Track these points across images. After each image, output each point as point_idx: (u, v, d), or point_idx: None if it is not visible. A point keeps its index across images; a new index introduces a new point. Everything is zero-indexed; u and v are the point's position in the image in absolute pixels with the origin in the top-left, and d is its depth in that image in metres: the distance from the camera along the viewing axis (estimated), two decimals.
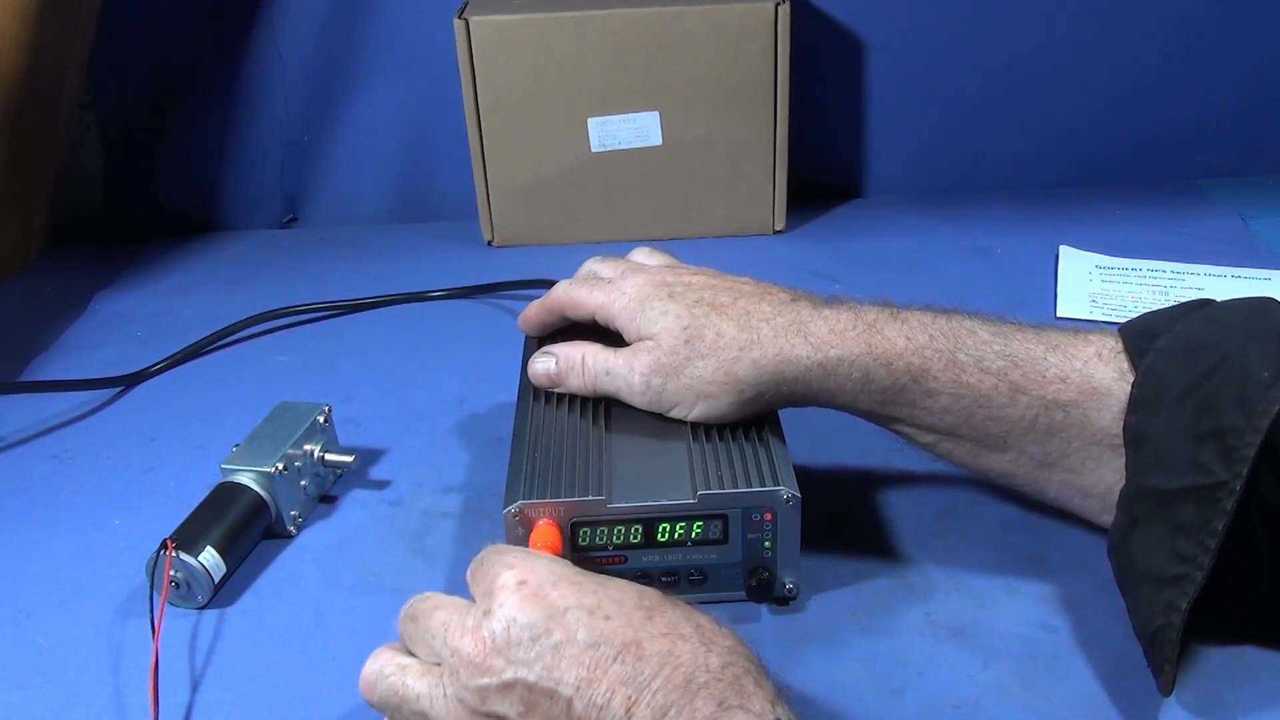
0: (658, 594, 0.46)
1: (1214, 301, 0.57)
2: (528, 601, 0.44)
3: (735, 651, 0.44)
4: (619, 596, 0.45)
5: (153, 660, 0.54)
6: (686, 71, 0.96)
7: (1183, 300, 0.58)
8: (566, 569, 0.47)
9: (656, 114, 0.98)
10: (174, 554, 0.58)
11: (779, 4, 0.94)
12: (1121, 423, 0.54)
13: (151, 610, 0.57)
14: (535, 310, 0.65)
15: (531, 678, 0.43)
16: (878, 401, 0.57)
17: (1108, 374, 0.55)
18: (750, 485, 0.55)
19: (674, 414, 0.59)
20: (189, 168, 1.10)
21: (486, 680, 0.43)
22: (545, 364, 0.61)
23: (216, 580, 0.60)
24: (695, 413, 0.58)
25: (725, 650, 0.43)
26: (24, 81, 0.91)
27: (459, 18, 0.94)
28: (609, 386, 0.59)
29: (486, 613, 0.45)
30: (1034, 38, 1.06)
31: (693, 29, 0.95)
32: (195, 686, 0.55)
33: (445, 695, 0.45)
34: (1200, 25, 1.05)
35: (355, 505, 0.68)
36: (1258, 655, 0.53)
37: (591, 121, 0.98)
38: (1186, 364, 0.52)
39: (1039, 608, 0.57)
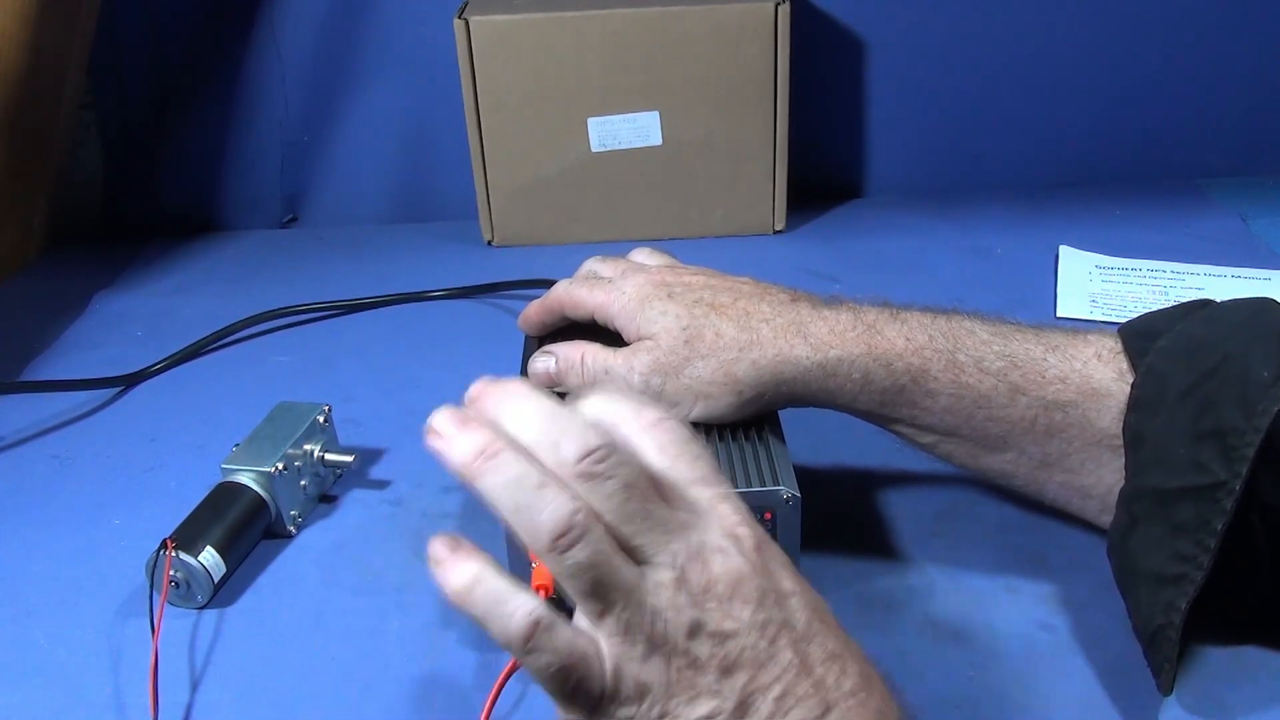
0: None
1: (1214, 302, 0.57)
2: (757, 569, 0.39)
3: (905, 712, 0.41)
4: (823, 605, 0.42)
5: (152, 660, 0.54)
6: (686, 71, 0.96)
7: (1183, 300, 0.58)
8: (782, 554, 0.42)
9: (656, 114, 0.98)
10: (174, 554, 0.58)
11: (779, 4, 0.94)
12: (1121, 423, 0.54)
13: (151, 610, 0.57)
14: (535, 310, 0.65)
15: (748, 641, 0.38)
16: (877, 402, 0.57)
17: (1107, 374, 0.55)
18: (750, 485, 0.55)
19: (673, 414, 0.58)
20: (189, 168, 1.10)
21: (704, 618, 0.38)
22: (545, 363, 0.61)
23: (216, 580, 0.60)
24: (695, 413, 0.58)
25: (899, 708, 0.41)
26: (24, 81, 0.91)
27: (459, 18, 0.94)
28: (608, 386, 0.60)
29: (720, 550, 0.39)
30: (1034, 38, 1.06)
31: (693, 29, 0.95)
32: (195, 686, 0.55)
33: (645, 603, 0.38)
34: (1200, 25, 1.05)
35: (355, 505, 0.68)
36: (1258, 655, 0.53)
37: (591, 121, 0.98)
38: (1187, 364, 0.52)
39: (1039, 608, 0.57)
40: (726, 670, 0.38)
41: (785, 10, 0.94)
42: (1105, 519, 0.56)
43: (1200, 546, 0.48)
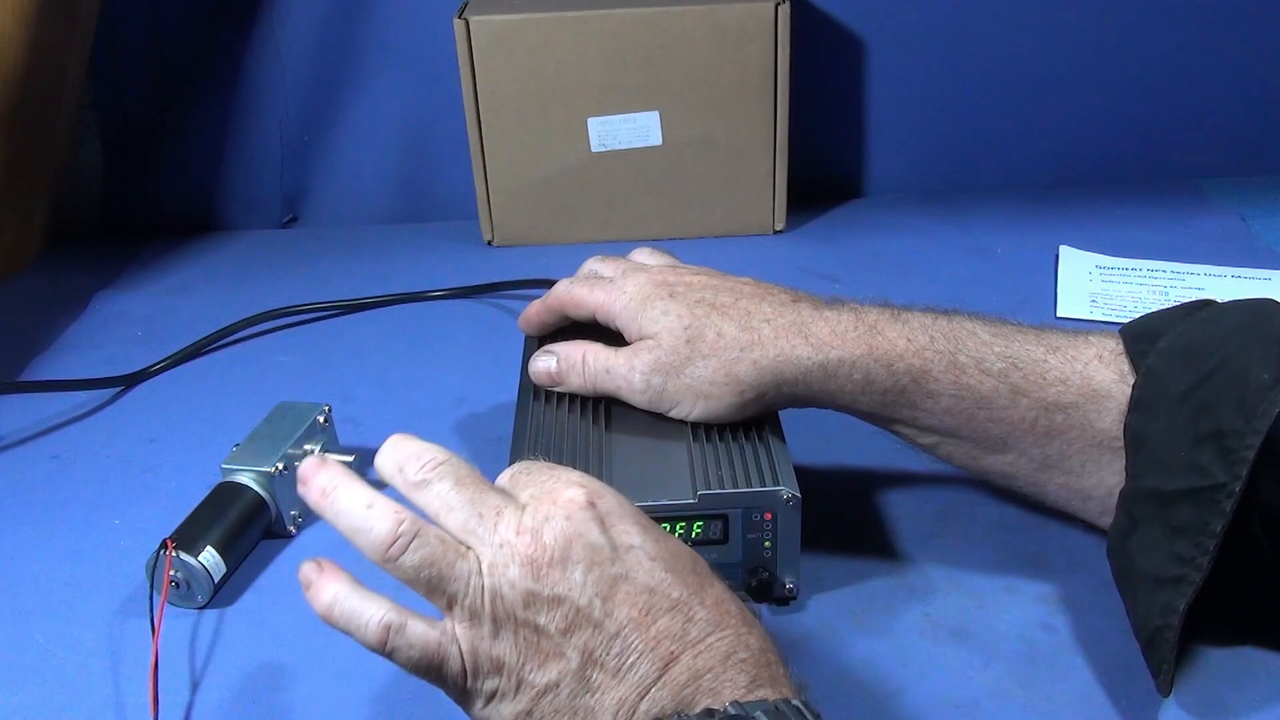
0: (707, 565, 0.45)
1: (1214, 303, 0.57)
2: (595, 524, 0.43)
3: (769, 639, 0.44)
4: (677, 552, 0.44)
5: (153, 660, 0.54)
6: (686, 71, 0.96)
7: (1183, 300, 0.58)
8: (630, 507, 0.45)
9: (656, 114, 0.98)
10: (174, 554, 0.58)
11: (779, 4, 0.94)
12: (1122, 425, 0.54)
13: (151, 610, 0.57)
14: (536, 310, 0.65)
15: (583, 601, 0.41)
16: (878, 403, 0.57)
17: (1108, 376, 0.55)
18: (750, 485, 0.55)
19: (674, 414, 0.59)
20: (189, 168, 1.10)
21: (537, 587, 0.41)
22: (546, 363, 0.61)
23: (216, 580, 0.60)
24: (695, 413, 0.58)
25: (762, 635, 0.43)
26: (24, 81, 0.91)
27: (459, 18, 0.94)
28: (609, 385, 0.59)
29: (548, 519, 0.42)
30: (1034, 38, 1.06)
31: (693, 29, 0.95)
32: (195, 686, 0.55)
33: (483, 586, 0.42)
34: (1200, 25, 1.05)
35: None
36: (1258, 655, 0.53)
37: (591, 121, 0.98)
38: (1187, 366, 0.52)
39: (1038, 608, 0.57)
40: (566, 631, 0.41)
41: (785, 10, 0.94)
42: (1106, 520, 0.56)
43: (1199, 548, 0.48)
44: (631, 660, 0.41)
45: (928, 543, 0.62)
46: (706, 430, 0.59)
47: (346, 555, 0.63)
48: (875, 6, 1.05)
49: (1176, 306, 0.57)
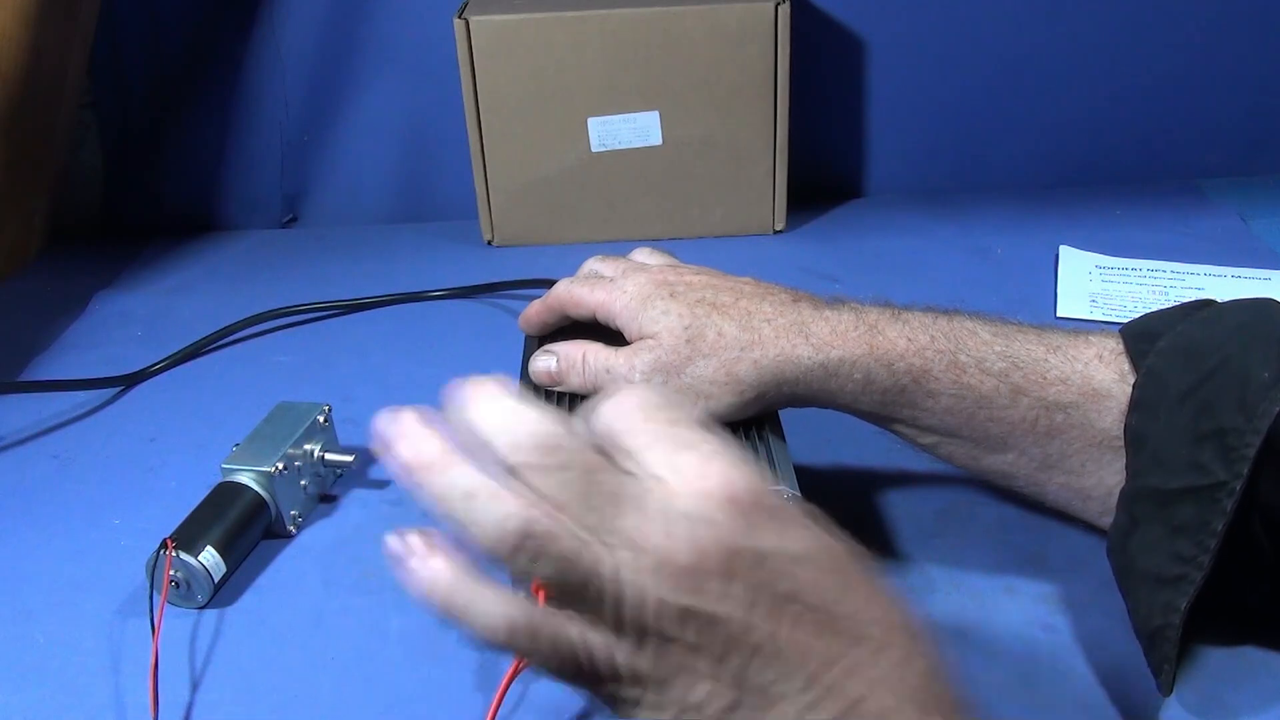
0: (869, 564, 0.38)
1: (1215, 302, 0.57)
2: (738, 532, 0.35)
3: (935, 651, 0.38)
4: (840, 553, 0.37)
5: (152, 660, 0.54)
6: (686, 71, 0.96)
7: (1183, 300, 0.58)
8: (776, 501, 0.37)
9: (656, 114, 0.98)
10: (174, 554, 0.58)
11: (779, 4, 0.94)
12: (1122, 425, 0.54)
13: (151, 610, 0.57)
14: (536, 309, 0.65)
15: (742, 620, 0.35)
16: (879, 402, 0.57)
17: (1109, 376, 0.55)
18: None
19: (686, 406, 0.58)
20: (189, 168, 1.10)
21: (692, 602, 0.35)
22: (546, 363, 0.61)
23: (216, 580, 0.60)
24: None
25: (929, 650, 0.38)
26: (24, 81, 0.91)
27: (459, 17, 0.94)
28: (609, 385, 0.59)
29: (701, 519, 0.35)
30: (1033, 38, 1.06)
31: (693, 29, 0.95)
32: (195, 686, 0.55)
33: (623, 594, 0.35)
34: (1200, 25, 1.05)
35: (355, 505, 0.68)
36: (1258, 655, 0.53)
37: (591, 121, 0.98)
38: (1187, 365, 0.52)
39: (1039, 608, 0.57)
40: (719, 655, 0.35)
41: (785, 10, 0.94)
42: (1106, 520, 0.56)
43: (1200, 547, 0.48)
44: (788, 687, 0.35)
45: (928, 543, 0.62)
46: None
47: (347, 555, 0.64)
48: (875, 6, 1.05)
49: (1176, 306, 0.57)
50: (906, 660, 0.36)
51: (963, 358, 0.56)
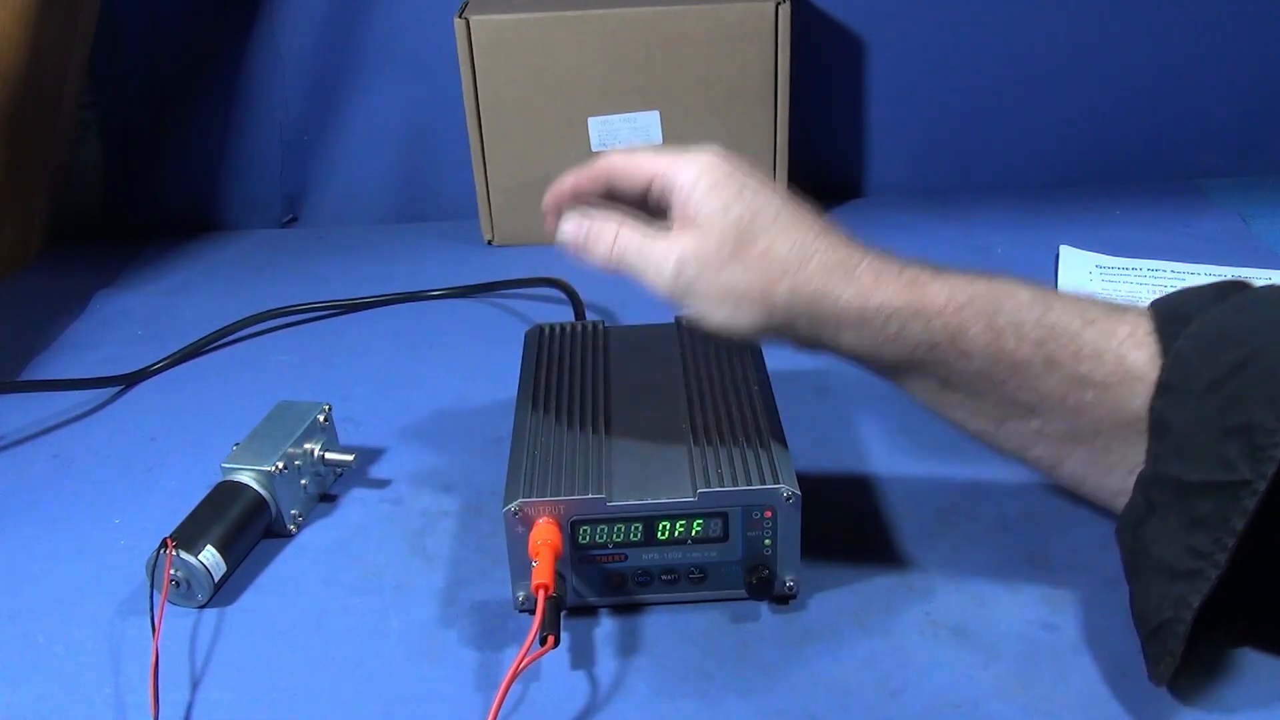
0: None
1: (1249, 286, 0.55)
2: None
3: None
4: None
5: (153, 659, 0.54)
6: (686, 71, 0.96)
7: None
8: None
9: (656, 114, 0.98)
10: (174, 553, 0.58)
11: (779, 4, 0.94)
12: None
13: (152, 609, 0.57)
14: (574, 178, 0.60)
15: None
16: (905, 357, 0.55)
17: (1141, 356, 0.53)
18: (750, 483, 0.55)
19: (693, 312, 0.55)
20: (189, 167, 1.10)
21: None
22: (576, 228, 0.57)
23: (217, 579, 0.60)
24: (715, 317, 0.55)
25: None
26: (24, 81, 0.91)
27: (459, 17, 0.94)
28: (635, 264, 0.56)
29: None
30: (1033, 38, 1.06)
31: (693, 29, 0.95)
32: (195, 685, 0.55)
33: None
34: (1200, 25, 1.05)
35: (355, 504, 0.68)
36: (1258, 655, 0.53)
37: (591, 121, 0.98)
38: (1218, 353, 0.51)
39: (1039, 607, 0.57)
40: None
41: (785, 10, 0.94)
42: (1120, 501, 0.54)
43: (1218, 544, 0.48)
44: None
45: (928, 543, 0.62)
46: (706, 429, 0.59)
47: (347, 554, 0.64)
48: (875, 6, 1.05)
49: (1210, 285, 0.55)
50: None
51: (1000, 320, 0.54)
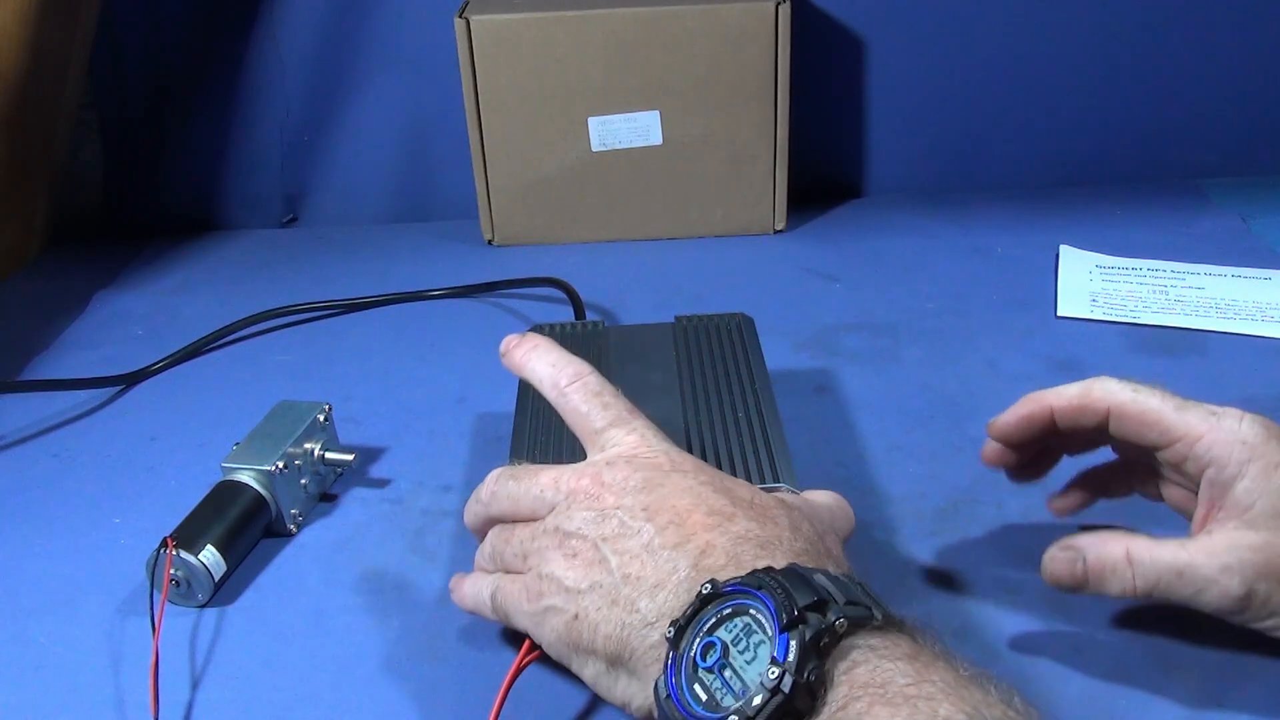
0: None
1: None
2: (640, 469, 0.49)
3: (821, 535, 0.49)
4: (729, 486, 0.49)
5: (153, 659, 0.54)
6: (686, 71, 0.96)
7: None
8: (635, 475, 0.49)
9: (656, 114, 0.98)
10: (174, 552, 0.58)
11: (779, 4, 0.94)
12: None
13: (152, 609, 0.57)
14: (1054, 400, 0.52)
15: (629, 505, 0.47)
16: None
17: None
18: (751, 482, 0.55)
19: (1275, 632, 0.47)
20: (189, 167, 1.10)
21: (590, 506, 0.47)
22: (1068, 559, 0.49)
23: (217, 579, 0.60)
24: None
25: (810, 529, 0.49)
26: (24, 81, 0.91)
27: (459, 17, 0.94)
28: (1181, 591, 0.47)
29: (609, 464, 0.49)
30: (1034, 38, 1.06)
31: (693, 29, 0.95)
32: (195, 685, 0.55)
33: (544, 529, 0.48)
34: (1200, 25, 1.06)
35: (355, 504, 0.68)
36: (1258, 655, 0.53)
37: (591, 121, 0.98)
38: None
39: (1039, 607, 0.57)
40: (612, 537, 0.47)
41: (785, 10, 0.94)
42: None
43: None
44: (665, 548, 0.45)
45: (928, 543, 0.62)
46: (706, 429, 0.59)
47: (347, 554, 0.64)
48: (875, 6, 1.05)
49: None
50: (782, 531, 0.47)
51: None
